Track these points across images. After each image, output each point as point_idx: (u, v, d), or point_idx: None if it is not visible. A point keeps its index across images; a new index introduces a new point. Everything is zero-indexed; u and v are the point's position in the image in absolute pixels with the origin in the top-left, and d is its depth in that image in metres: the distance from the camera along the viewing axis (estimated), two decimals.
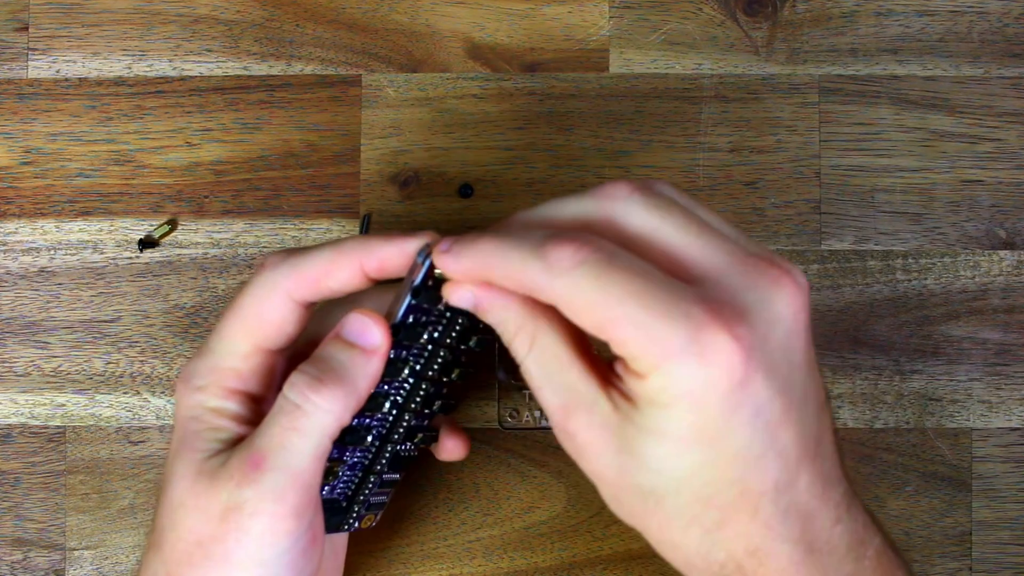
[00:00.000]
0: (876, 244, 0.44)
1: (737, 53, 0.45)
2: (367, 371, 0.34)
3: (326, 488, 0.35)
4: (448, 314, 0.34)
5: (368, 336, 0.34)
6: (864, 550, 0.31)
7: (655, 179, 0.32)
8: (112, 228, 0.44)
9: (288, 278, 0.34)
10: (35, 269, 0.44)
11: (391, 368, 0.34)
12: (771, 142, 0.44)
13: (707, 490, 0.30)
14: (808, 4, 0.45)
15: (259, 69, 0.45)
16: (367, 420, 0.35)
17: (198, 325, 0.44)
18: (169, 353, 0.44)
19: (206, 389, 0.34)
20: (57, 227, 0.44)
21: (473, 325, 0.35)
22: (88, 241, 0.44)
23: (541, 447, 0.44)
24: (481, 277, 0.31)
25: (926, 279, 0.44)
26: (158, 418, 0.44)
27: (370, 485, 0.37)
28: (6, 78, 0.45)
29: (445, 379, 0.36)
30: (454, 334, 0.35)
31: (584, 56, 0.45)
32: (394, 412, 0.36)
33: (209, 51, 0.45)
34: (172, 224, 0.44)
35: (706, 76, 0.45)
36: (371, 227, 0.44)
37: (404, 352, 0.35)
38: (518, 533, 0.43)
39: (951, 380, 0.44)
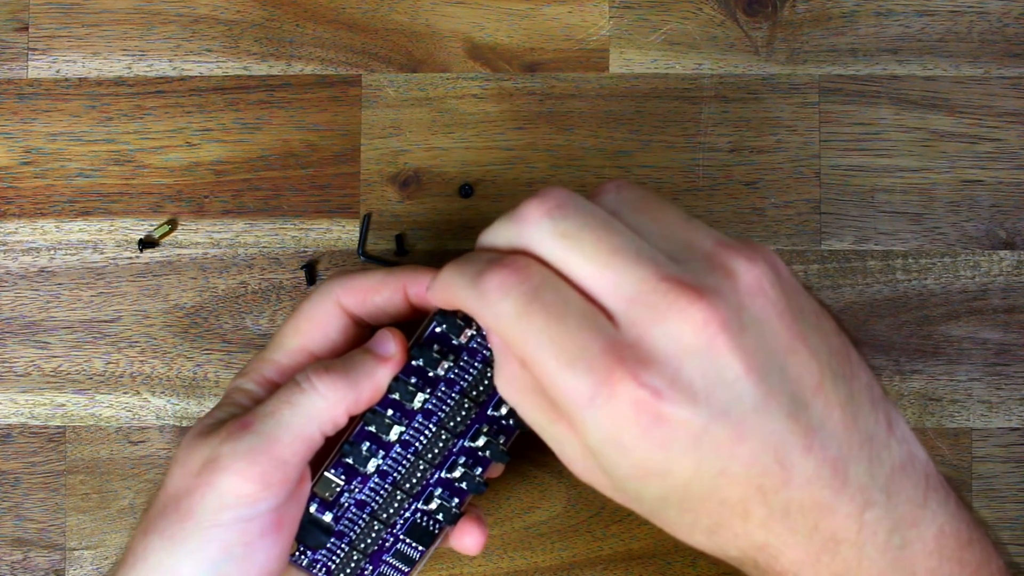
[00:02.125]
0: (876, 244, 0.44)
1: (737, 53, 0.45)
2: (374, 374, 0.35)
3: (319, 504, 0.35)
4: (474, 362, 0.35)
5: (385, 345, 0.35)
6: (916, 533, 0.30)
7: (600, 187, 0.32)
8: (112, 228, 0.44)
9: (341, 287, 0.37)
10: (35, 269, 0.44)
11: (404, 390, 0.35)
12: (771, 142, 0.44)
13: (687, 505, 0.30)
14: (808, 4, 0.45)
15: (259, 69, 0.45)
16: (374, 446, 0.35)
17: (198, 325, 0.44)
18: (169, 353, 0.44)
19: (247, 374, 0.36)
20: (57, 227, 0.44)
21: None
22: (88, 241, 0.44)
23: (541, 447, 0.43)
24: (449, 305, 0.32)
25: (926, 279, 0.44)
26: (158, 418, 0.44)
27: (377, 537, 0.36)
28: (6, 78, 0.45)
29: (471, 444, 0.36)
30: (480, 387, 0.35)
31: (584, 56, 0.45)
32: (407, 455, 0.35)
33: (209, 51, 0.45)
34: (172, 224, 0.44)
35: (706, 76, 0.45)
36: (371, 227, 0.44)
37: (421, 381, 0.35)
38: (518, 533, 0.43)
39: (951, 380, 0.44)
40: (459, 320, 0.34)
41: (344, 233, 0.44)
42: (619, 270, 0.29)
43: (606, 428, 0.29)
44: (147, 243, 0.44)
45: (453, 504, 0.36)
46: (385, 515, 0.36)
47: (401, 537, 0.36)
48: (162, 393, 0.44)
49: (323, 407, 0.34)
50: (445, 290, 0.32)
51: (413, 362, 0.35)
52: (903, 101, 0.44)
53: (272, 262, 0.44)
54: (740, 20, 0.45)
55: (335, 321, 0.37)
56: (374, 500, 0.36)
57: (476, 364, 0.35)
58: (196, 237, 0.44)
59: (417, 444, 0.35)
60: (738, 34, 0.45)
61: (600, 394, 0.28)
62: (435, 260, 0.44)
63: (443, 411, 0.35)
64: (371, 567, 0.36)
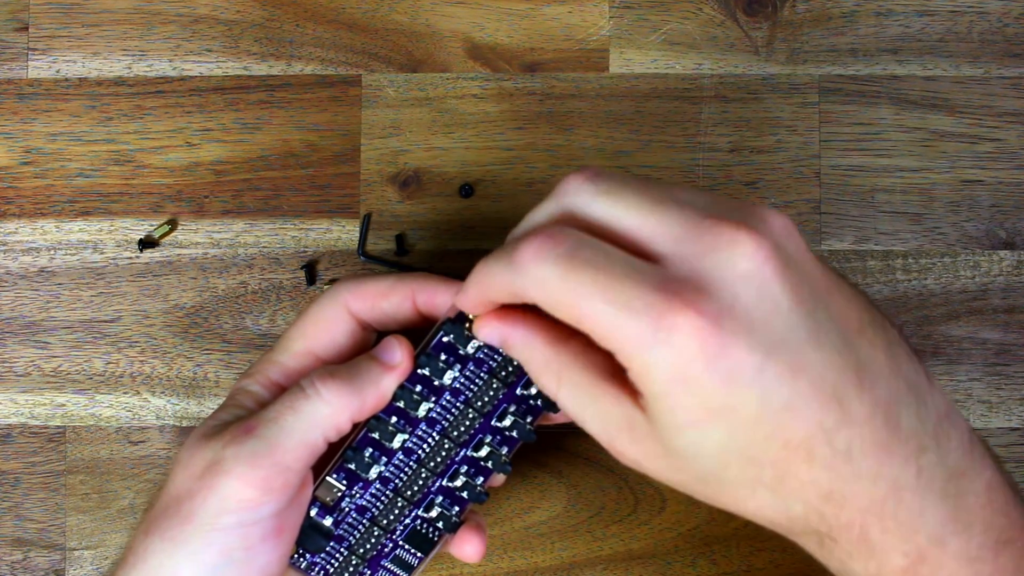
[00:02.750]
0: (876, 244, 0.44)
1: (737, 53, 0.45)
2: (379, 382, 0.35)
3: (319, 509, 0.35)
4: (480, 372, 0.35)
5: (391, 353, 0.35)
6: (968, 483, 0.30)
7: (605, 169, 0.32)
8: (112, 228, 0.44)
9: (350, 291, 0.36)
10: (35, 269, 0.44)
11: (408, 398, 0.35)
12: (771, 142, 0.44)
13: (749, 453, 0.30)
14: (808, 4, 0.45)
15: (259, 69, 0.45)
16: (377, 452, 0.35)
17: (198, 325, 0.44)
18: (169, 353, 0.44)
19: (252, 375, 0.36)
20: (57, 227, 0.44)
21: (507, 400, 0.35)
22: (88, 241, 0.44)
23: (541, 447, 0.44)
24: (485, 302, 0.32)
25: (926, 279, 0.44)
26: (158, 418, 0.44)
27: (376, 543, 0.36)
28: (6, 78, 0.45)
29: (473, 454, 0.36)
30: (485, 398, 0.35)
31: (584, 56, 0.45)
32: (409, 463, 0.35)
33: (209, 51, 0.45)
34: (172, 224, 0.44)
35: (706, 76, 0.45)
36: (371, 227, 0.44)
37: (426, 390, 0.35)
38: (518, 533, 0.43)
39: (951, 380, 0.44)
40: (466, 330, 0.34)
41: (344, 233, 0.44)
42: (664, 214, 0.30)
43: (671, 365, 0.29)
44: (147, 243, 0.44)
45: (453, 512, 0.36)
46: (385, 521, 0.36)
47: (400, 543, 0.36)
48: (162, 393, 0.44)
49: (327, 413, 0.34)
50: (482, 283, 0.32)
51: (419, 370, 0.35)
52: (903, 101, 0.44)
53: (272, 262, 0.44)
54: (740, 20, 0.45)
55: (342, 325, 0.37)
56: (375, 506, 0.36)
57: (482, 374, 0.35)
58: (196, 237, 0.44)
59: (420, 452, 0.35)
60: (738, 34, 0.45)
61: (661, 330, 0.28)
62: (435, 260, 0.44)
63: (447, 420, 0.35)
64: (369, 572, 0.36)
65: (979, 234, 0.44)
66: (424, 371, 0.35)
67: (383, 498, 0.36)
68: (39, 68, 0.45)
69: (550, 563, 0.43)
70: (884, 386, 0.30)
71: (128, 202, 0.44)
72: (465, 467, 0.36)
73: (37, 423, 0.44)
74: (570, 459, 0.43)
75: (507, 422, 0.35)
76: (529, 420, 0.35)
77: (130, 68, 0.45)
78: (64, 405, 0.44)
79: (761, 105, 0.44)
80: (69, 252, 0.44)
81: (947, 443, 0.30)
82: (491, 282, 0.31)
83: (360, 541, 0.36)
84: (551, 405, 0.35)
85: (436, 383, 0.35)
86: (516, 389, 0.35)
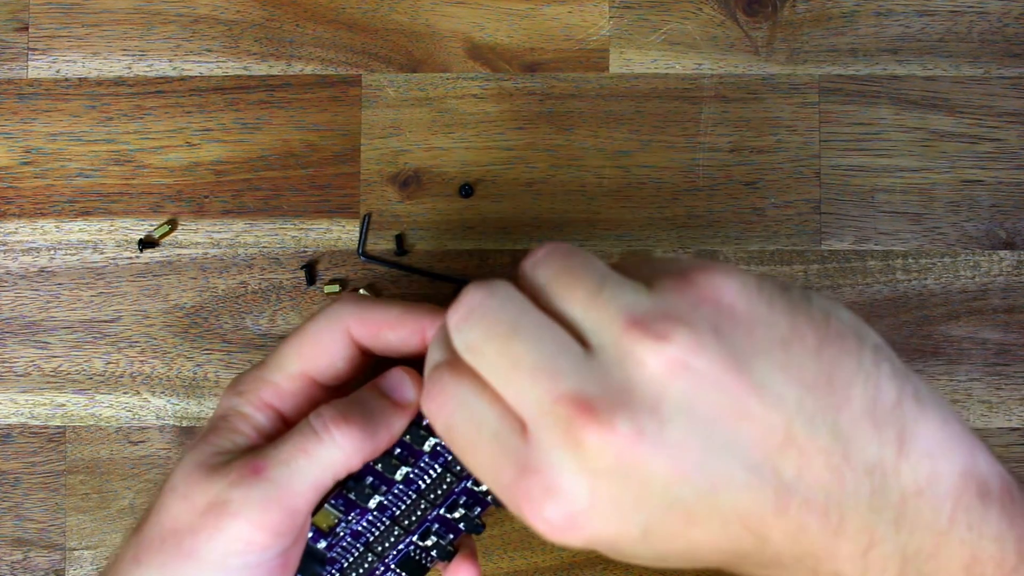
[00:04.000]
0: (876, 244, 0.44)
1: (737, 53, 0.45)
2: (392, 423, 0.34)
3: (314, 533, 0.35)
4: None
5: (403, 391, 0.35)
6: (934, 564, 0.27)
7: (524, 262, 0.31)
8: (112, 228, 0.44)
9: (353, 316, 0.35)
10: (35, 269, 0.44)
11: (415, 433, 0.35)
12: (771, 142, 0.44)
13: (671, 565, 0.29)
14: (808, 4, 0.45)
15: (259, 69, 0.45)
16: (377, 482, 0.35)
17: (198, 325, 0.44)
18: (169, 353, 0.44)
19: (244, 394, 0.35)
20: (57, 227, 0.44)
21: None
22: (88, 241, 0.44)
23: None
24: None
25: (926, 279, 0.44)
26: (158, 418, 0.44)
27: (369, 568, 0.36)
28: (6, 78, 0.45)
29: (473, 487, 0.36)
30: None
31: (584, 56, 0.45)
32: (409, 493, 0.35)
33: (209, 51, 0.45)
34: (172, 224, 0.44)
35: (706, 76, 0.45)
36: (370, 227, 0.44)
37: (429, 423, 0.35)
38: (518, 533, 0.43)
39: (951, 380, 0.44)
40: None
41: (344, 233, 0.44)
42: (518, 387, 0.28)
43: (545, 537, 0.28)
44: (147, 243, 0.44)
45: (448, 541, 0.36)
46: (380, 548, 0.35)
47: (393, 567, 0.36)
48: (162, 393, 0.44)
49: (340, 458, 0.33)
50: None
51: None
52: (903, 101, 0.44)
53: (272, 262, 0.44)
54: (740, 20, 0.45)
55: (343, 350, 0.35)
56: (370, 532, 0.35)
57: None
58: (196, 237, 0.44)
59: (421, 483, 0.35)
60: (738, 34, 0.45)
61: (525, 514, 0.28)
62: (435, 260, 0.44)
63: (450, 453, 0.35)
64: None
65: (979, 234, 0.44)
66: None
67: (379, 525, 0.35)
68: (39, 68, 0.45)
69: (550, 563, 0.43)
70: (821, 493, 0.27)
71: (128, 202, 0.44)
72: (464, 498, 0.36)
73: (37, 423, 0.44)
74: None
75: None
76: None
77: (130, 68, 0.45)
78: (64, 405, 0.44)
79: (761, 105, 0.44)
80: (69, 252, 0.44)
81: (912, 524, 0.27)
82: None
83: (353, 565, 0.35)
84: None
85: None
86: None
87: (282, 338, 0.37)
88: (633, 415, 0.26)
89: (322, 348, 0.35)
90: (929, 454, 0.28)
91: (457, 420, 0.29)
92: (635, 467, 0.27)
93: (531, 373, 0.28)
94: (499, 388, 0.28)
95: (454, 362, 0.30)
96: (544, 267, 0.30)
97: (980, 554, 0.27)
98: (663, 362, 0.27)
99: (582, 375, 0.27)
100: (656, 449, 0.26)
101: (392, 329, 0.35)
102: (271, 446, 0.33)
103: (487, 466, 0.29)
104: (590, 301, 0.28)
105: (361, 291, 0.44)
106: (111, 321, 0.44)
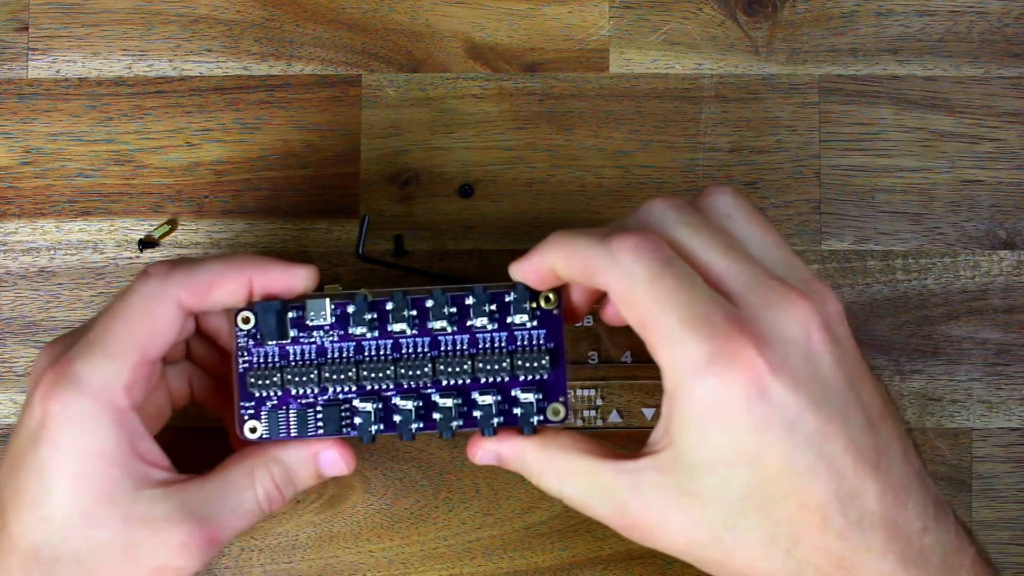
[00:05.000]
0: (876, 244, 0.44)
1: (737, 53, 0.45)
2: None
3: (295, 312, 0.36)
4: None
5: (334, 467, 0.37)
6: (959, 560, 0.32)
7: (713, 189, 0.34)
8: (112, 228, 0.44)
9: (179, 286, 0.34)
10: (35, 269, 0.44)
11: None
12: (771, 142, 0.44)
13: (768, 506, 0.31)
14: (808, 4, 0.45)
15: (259, 69, 0.45)
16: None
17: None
18: None
19: (96, 396, 0.33)
20: (57, 227, 0.44)
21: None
22: (88, 241, 0.44)
23: None
24: (549, 272, 0.34)
25: (926, 279, 0.44)
26: None
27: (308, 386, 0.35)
28: (6, 78, 0.45)
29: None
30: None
31: (584, 56, 0.45)
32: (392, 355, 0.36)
33: (209, 51, 0.45)
34: (172, 224, 0.44)
35: (706, 76, 0.45)
36: (370, 227, 0.44)
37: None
38: (518, 533, 0.43)
39: (951, 380, 0.44)
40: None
41: (344, 233, 0.44)
42: (737, 260, 0.32)
43: (715, 395, 0.30)
44: (147, 243, 0.44)
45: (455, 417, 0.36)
46: (336, 376, 0.35)
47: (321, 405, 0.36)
48: None
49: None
50: (561, 252, 0.33)
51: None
52: (903, 101, 0.44)
53: None
54: (740, 20, 0.45)
55: (175, 323, 0.34)
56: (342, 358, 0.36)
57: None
58: (196, 237, 0.44)
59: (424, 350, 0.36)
60: (738, 34, 0.45)
61: (720, 358, 0.30)
62: (435, 260, 0.44)
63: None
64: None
65: (979, 234, 0.44)
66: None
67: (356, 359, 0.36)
68: (39, 68, 0.45)
69: (550, 563, 0.43)
70: (897, 470, 0.31)
71: (128, 202, 0.44)
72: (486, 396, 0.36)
73: None
74: None
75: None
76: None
77: (130, 68, 0.45)
78: None
79: (761, 105, 0.44)
80: (69, 252, 0.44)
81: (943, 524, 0.32)
82: (575, 254, 0.33)
83: (300, 371, 0.36)
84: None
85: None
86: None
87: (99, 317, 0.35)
88: (824, 312, 0.32)
89: (156, 328, 0.34)
90: (934, 482, 0.33)
91: (673, 266, 0.31)
92: (816, 349, 0.31)
93: (748, 256, 0.32)
94: (715, 257, 0.32)
95: (658, 231, 0.32)
96: (742, 201, 0.34)
97: (976, 556, 0.33)
98: (835, 309, 0.32)
99: (782, 271, 0.32)
100: (831, 346, 0.31)
101: (219, 286, 0.34)
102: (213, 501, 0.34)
103: (702, 303, 0.30)
104: (785, 247, 0.34)
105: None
106: None
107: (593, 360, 0.43)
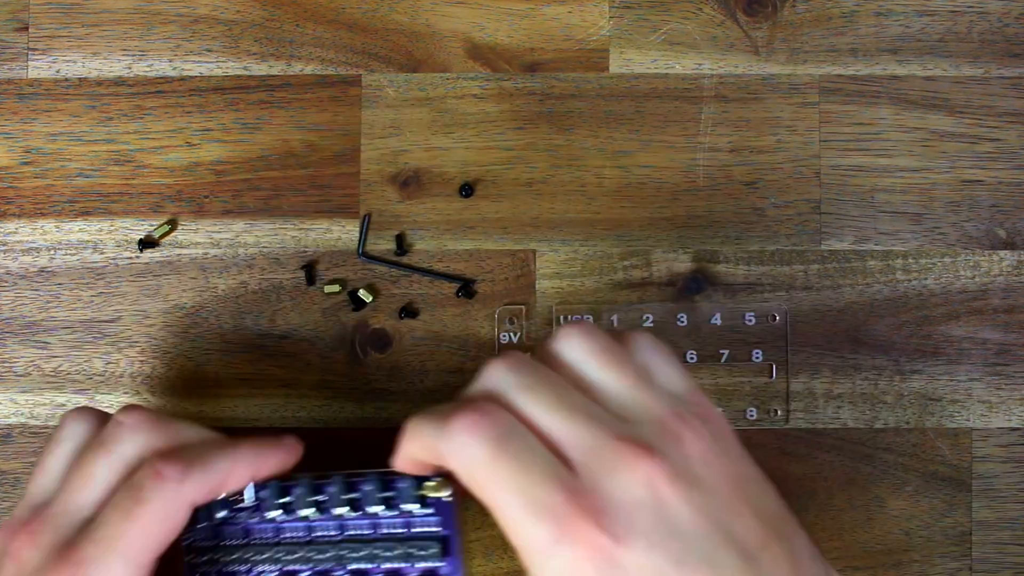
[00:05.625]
0: (876, 244, 0.44)
1: (737, 53, 0.45)
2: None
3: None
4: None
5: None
6: None
7: (563, 331, 0.34)
8: (112, 228, 0.44)
9: (194, 491, 0.35)
10: (35, 269, 0.44)
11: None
12: (771, 142, 0.44)
13: None
14: (808, 4, 0.45)
15: (259, 69, 0.45)
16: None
17: (198, 325, 0.44)
18: (169, 353, 0.44)
19: None
20: (57, 227, 0.44)
21: None
22: (88, 241, 0.44)
23: None
24: (412, 460, 0.34)
25: (926, 279, 0.44)
26: None
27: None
28: (6, 78, 0.45)
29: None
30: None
31: (584, 56, 0.45)
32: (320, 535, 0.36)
33: (209, 51, 0.45)
34: (172, 224, 0.44)
35: (706, 76, 0.45)
36: (370, 227, 0.44)
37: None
38: None
39: (951, 380, 0.44)
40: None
41: (344, 233, 0.44)
42: (576, 424, 0.31)
43: (566, 574, 0.29)
44: (147, 243, 0.44)
45: None
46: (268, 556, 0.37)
47: None
48: (162, 393, 0.44)
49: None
50: (411, 441, 0.33)
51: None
52: (903, 101, 0.44)
53: (272, 262, 0.44)
54: (740, 20, 0.45)
55: (185, 521, 0.35)
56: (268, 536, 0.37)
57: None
58: (196, 237, 0.44)
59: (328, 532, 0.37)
60: (738, 34, 0.45)
61: (563, 540, 0.29)
62: (435, 260, 0.44)
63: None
64: None
65: (979, 234, 0.44)
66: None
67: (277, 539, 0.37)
68: (39, 68, 0.45)
69: None
70: None
71: (128, 202, 0.44)
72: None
73: (37, 423, 0.44)
74: None
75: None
76: None
77: (130, 68, 0.45)
78: (64, 405, 0.44)
79: (761, 105, 0.44)
80: (69, 252, 0.44)
81: None
82: (420, 442, 0.33)
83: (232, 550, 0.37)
84: None
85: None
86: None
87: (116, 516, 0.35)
88: (673, 464, 0.31)
89: (172, 530, 0.35)
90: None
91: (510, 443, 0.31)
92: (667, 505, 0.30)
93: (587, 416, 0.31)
94: (554, 423, 0.31)
95: (498, 398, 0.32)
96: (592, 341, 0.33)
97: None
98: (698, 447, 0.31)
99: (630, 428, 0.31)
100: (685, 495, 0.30)
101: (226, 484, 0.36)
102: None
103: (539, 485, 0.30)
104: (640, 384, 0.33)
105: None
106: (111, 321, 0.44)
107: None
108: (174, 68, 0.45)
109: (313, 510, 0.36)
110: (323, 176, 0.44)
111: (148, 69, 0.45)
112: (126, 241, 0.44)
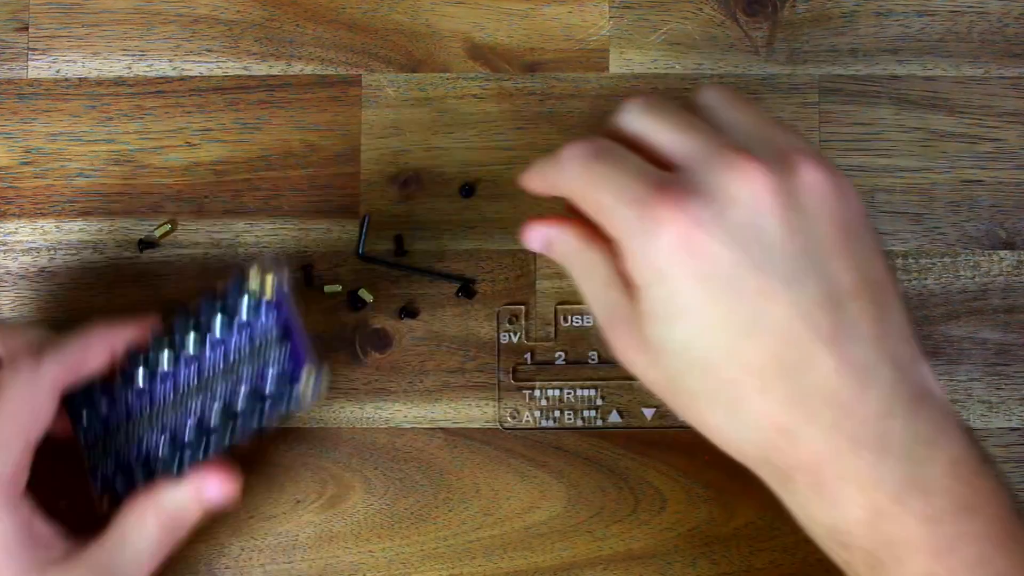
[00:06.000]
0: None
1: (737, 53, 0.45)
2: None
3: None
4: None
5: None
6: (929, 452, 0.30)
7: (702, 88, 0.35)
8: (112, 228, 0.44)
9: (54, 374, 0.36)
10: (35, 269, 0.44)
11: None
12: None
13: (708, 363, 0.31)
14: (808, 4, 0.45)
15: (259, 69, 0.45)
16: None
17: None
18: None
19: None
20: (57, 227, 0.44)
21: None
22: (88, 241, 0.44)
23: (541, 447, 0.44)
24: (537, 188, 0.36)
25: (926, 279, 0.44)
26: None
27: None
28: (6, 78, 0.45)
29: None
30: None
31: (584, 56, 0.45)
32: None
33: (209, 51, 0.45)
34: (172, 224, 0.44)
35: (706, 76, 0.45)
36: (370, 227, 0.44)
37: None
38: (518, 533, 0.43)
39: (951, 380, 0.44)
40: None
41: (344, 233, 0.44)
42: (692, 137, 0.32)
43: (649, 255, 0.31)
44: (147, 243, 0.44)
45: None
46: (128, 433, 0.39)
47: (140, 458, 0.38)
48: None
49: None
50: (534, 174, 0.36)
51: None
52: (903, 101, 0.44)
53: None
54: (740, 20, 0.45)
55: (53, 405, 0.36)
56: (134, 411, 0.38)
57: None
58: (196, 237, 0.44)
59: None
60: (738, 34, 0.45)
61: (647, 221, 0.31)
62: (435, 260, 0.44)
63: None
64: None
65: (979, 234, 0.44)
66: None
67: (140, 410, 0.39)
68: (39, 68, 0.45)
69: (550, 563, 0.43)
70: (862, 351, 0.30)
71: (128, 202, 0.44)
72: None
73: None
74: (570, 459, 0.43)
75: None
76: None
77: (130, 68, 0.45)
78: None
79: (761, 105, 0.44)
80: (69, 252, 0.44)
81: (918, 416, 0.31)
82: (539, 173, 0.35)
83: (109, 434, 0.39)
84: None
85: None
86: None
87: None
88: (781, 182, 0.31)
89: (41, 419, 0.36)
90: (928, 378, 0.32)
91: (606, 152, 0.33)
92: (762, 212, 0.31)
93: (707, 132, 0.32)
94: (669, 137, 0.33)
95: (614, 131, 0.34)
96: (726, 92, 0.35)
97: (959, 455, 0.31)
98: (814, 181, 0.32)
99: (745, 145, 0.32)
100: (782, 213, 0.31)
101: (86, 363, 0.37)
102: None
103: (631, 179, 0.32)
104: (770, 124, 0.34)
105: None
106: None
107: (593, 360, 0.43)
108: (174, 68, 0.45)
109: (169, 358, 0.38)
110: (323, 176, 0.44)
111: (148, 69, 0.45)
112: (126, 241, 0.44)
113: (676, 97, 0.34)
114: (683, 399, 0.33)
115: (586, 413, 0.43)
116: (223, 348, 0.38)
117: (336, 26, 0.45)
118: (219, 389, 0.38)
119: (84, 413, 0.38)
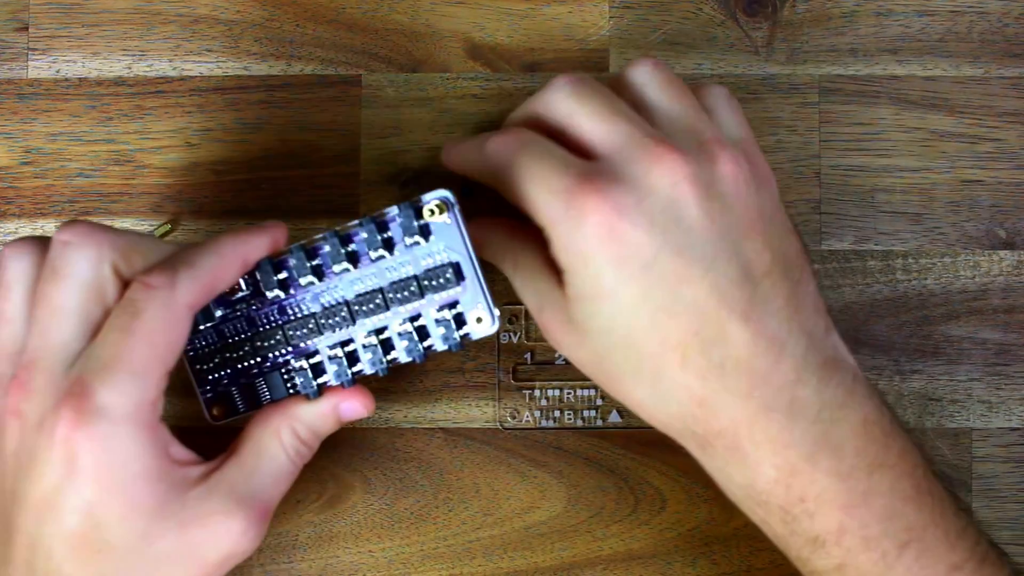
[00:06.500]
0: (876, 244, 0.44)
1: (737, 53, 0.45)
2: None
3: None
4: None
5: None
6: (842, 413, 0.33)
7: (632, 62, 0.37)
8: None
9: (192, 294, 0.34)
10: None
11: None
12: (771, 142, 0.44)
13: (629, 341, 0.33)
14: (808, 4, 0.45)
15: (259, 69, 0.45)
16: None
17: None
18: None
19: (127, 421, 0.32)
20: (57, 227, 0.44)
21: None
22: None
23: (541, 447, 0.44)
24: (461, 168, 0.39)
25: (926, 279, 0.44)
26: None
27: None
28: (6, 78, 0.45)
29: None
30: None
31: (584, 56, 0.45)
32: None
33: (209, 51, 0.45)
34: (172, 224, 0.44)
35: (706, 76, 0.45)
36: None
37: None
38: (518, 533, 0.43)
39: (951, 380, 0.44)
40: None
41: None
42: (614, 124, 0.34)
43: (576, 242, 0.33)
44: None
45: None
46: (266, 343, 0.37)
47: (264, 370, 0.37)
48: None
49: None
50: (458, 156, 0.39)
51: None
52: (903, 101, 0.44)
53: None
54: (740, 20, 0.45)
55: (189, 327, 0.34)
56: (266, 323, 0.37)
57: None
58: (196, 237, 0.44)
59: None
60: (738, 34, 0.45)
61: (571, 208, 0.33)
62: None
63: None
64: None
65: (979, 234, 0.44)
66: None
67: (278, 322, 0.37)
68: (39, 68, 0.45)
69: (550, 563, 0.43)
70: (774, 324, 0.33)
71: (128, 202, 0.44)
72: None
73: None
74: (570, 459, 0.43)
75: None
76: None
77: (130, 68, 0.45)
78: None
79: (761, 105, 0.44)
80: None
81: (829, 381, 0.33)
82: (463, 157, 0.38)
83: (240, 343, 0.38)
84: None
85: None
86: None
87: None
88: (699, 170, 0.33)
89: (176, 339, 0.34)
90: (839, 347, 0.35)
91: (532, 144, 0.35)
92: (680, 198, 0.33)
93: (629, 120, 0.34)
94: (592, 126, 0.34)
95: (547, 111, 0.36)
96: (661, 73, 0.37)
97: (870, 416, 0.33)
98: (731, 168, 0.34)
99: (665, 133, 0.34)
100: (700, 198, 0.33)
101: (222, 280, 0.35)
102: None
103: (555, 169, 0.33)
104: (696, 113, 0.36)
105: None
106: None
107: None
108: (174, 68, 0.45)
109: (312, 277, 0.36)
110: (323, 176, 0.44)
111: (148, 69, 0.45)
112: None
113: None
114: (610, 376, 0.35)
115: (586, 413, 0.43)
116: (381, 272, 0.36)
117: (336, 26, 0.45)
118: (370, 315, 0.36)
119: (198, 320, 0.36)
